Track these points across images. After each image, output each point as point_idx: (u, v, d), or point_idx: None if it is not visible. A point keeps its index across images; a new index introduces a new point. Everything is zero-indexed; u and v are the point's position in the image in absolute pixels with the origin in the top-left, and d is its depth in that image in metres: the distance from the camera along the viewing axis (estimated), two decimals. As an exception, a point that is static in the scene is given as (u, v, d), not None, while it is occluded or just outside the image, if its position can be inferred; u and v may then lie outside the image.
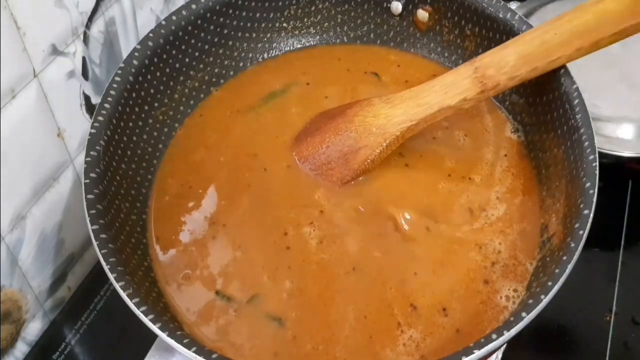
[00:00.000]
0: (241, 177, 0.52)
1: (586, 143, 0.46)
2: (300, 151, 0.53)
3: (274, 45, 0.60)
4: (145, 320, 0.39)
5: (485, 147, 0.54)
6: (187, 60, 0.55)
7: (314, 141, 0.52)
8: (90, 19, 0.52)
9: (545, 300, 0.38)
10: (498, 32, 0.54)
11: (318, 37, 0.61)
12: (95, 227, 0.42)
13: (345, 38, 0.61)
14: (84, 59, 0.53)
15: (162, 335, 0.38)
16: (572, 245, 0.41)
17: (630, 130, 0.61)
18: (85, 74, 0.53)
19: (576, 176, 0.45)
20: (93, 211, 0.43)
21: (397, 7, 0.59)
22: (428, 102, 0.49)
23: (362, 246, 0.48)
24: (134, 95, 0.51)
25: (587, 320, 0.55)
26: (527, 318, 0.38)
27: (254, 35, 0.59)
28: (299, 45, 0.61)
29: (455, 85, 0.49)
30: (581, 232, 0.41)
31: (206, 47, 0.56)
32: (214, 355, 0.37)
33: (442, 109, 0.49)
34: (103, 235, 0.42)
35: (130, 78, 0.50)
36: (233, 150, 0.54)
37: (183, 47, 0.54)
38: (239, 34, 0.58)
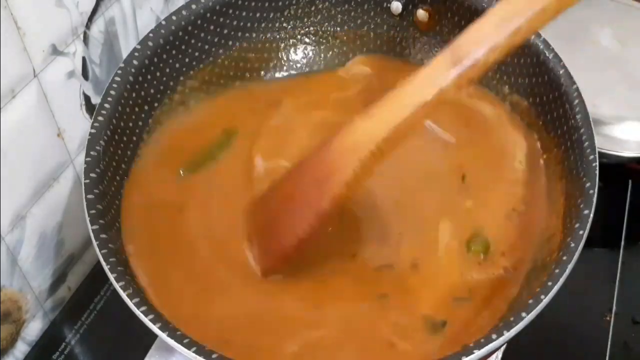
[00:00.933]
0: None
1: (586, 143, 0.46)
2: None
3: (274, 45, 0.60)
4: (145, 320, 0.39)
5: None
6: (187, 60, 0.55)
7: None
8: (90, 19, 0.52)
9: (545, 300, 0.38)
10: (498, 32, 0.54)
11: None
12: (95, 227, 0.42)
13: (345, 38, 0.61)
14: (84, 59, 0.53)
15: (162, 335, 0.38)
16: (572, 245, 0.41)
17: (630, 130, 0.61)
18: (85, 74, 0.53)
19: (576, 176, 0.45)
20: (93, 211, 0.43)
21: (397, 7, 0.59)
22: (403, 104, 0.42)
23: None
24: (134, 95, 0.51)
25: (587, 320, 0.55)
26: (527, 318, 0.38)
27: (254, 35, 0.59)
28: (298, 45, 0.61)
29: (431, 78, 0.42)
30: (581, 232, 0.41)
31: (206, 47, 0.56)
32: (214, 355, 0.37)
33: (417, 109, 0.41)
34: (103, 236, 0.42)
35: (130, 78, 0.50)
36: None
37: (183, 47, 0.54)
38: (239, 34, 0.58)
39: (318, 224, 0.44)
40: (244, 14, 0.57)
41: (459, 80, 0.41)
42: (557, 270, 0.40)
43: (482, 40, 0.40)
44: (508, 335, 0.37)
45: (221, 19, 0.56)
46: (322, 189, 0.43)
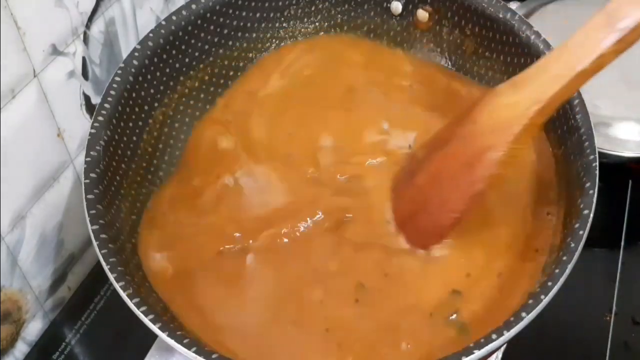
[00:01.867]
0: None
1: (586, 143, 0.46)
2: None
3: (274, 45, 0.60)
4: (145, 320, 0.39)
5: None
6: (187, 60, 0.55)
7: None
8: (90, 19, 0.52)
9: (545, 300, 0.38)
10: (498, 32, 0.54)
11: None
12: (95, 227, 0.42)
13: (345, 38, 0.61)
14: (84, 59, 0.53)
15: (162, 335, 0.38)
16: (572, 245, 0.41)
17: (630, 130, 0.61)
18: (85, 74, 0.53)
19: (576, 176, 0.45)
20: (93, 211, 0.43)
21: (397, 7, 0.59)
22: (557, 73, 0.40)
23: None
24: (134, 95, 0.51)
25: (587, 320, 0.55)
26: (527, 318, 0.38)
27: (254, 35, 0.59)
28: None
29: (587, 43, 0.39)
30: (581, 232, 0.41)
31: (206, 47, 0.56)
32: (214, 355, 0.37)
33: (573, 78, 0.39)
34: (103, 235, 0.42)
35: (130, 78, 0.50)
36: None
37: (183, 47, 0.54)
38: (239, 34, 0.58)
39: (474, 204, 0.44)
40: (244, 14, 0.57)
41: (618, 46, 0.38)
42: (557, 270, 0.40)
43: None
44: (508, 335, 0.37)
45: (221, 19, 0.56)
46: (475, 170, 0.42)
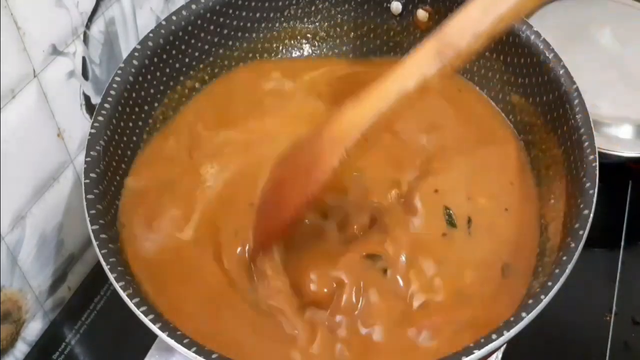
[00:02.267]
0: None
1: (586, 143, 0.46)
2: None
3: (274, 45, 0.60)
4: (145, 320, 0.39)
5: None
6: (187, 60, 0.55)
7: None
8: (90, 19, 0.52)
9: (545, 300, 0.39)
10: (498, 32, 0.54)
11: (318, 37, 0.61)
12: (95, 227, 0.42)
13: (345, 38, 0.61)
14: (84, 59, 0.53)
15: (162, 335, 0.38)
16: (572, 245, 0.41)
17: (630, 130, 0.61)
18: (85, 74, 0.53)
19: (576, 176, 0.45)
20: (93, 211, 0.43)
21: (397, 7, 0.59)
22: (386, 92, 0.43)
23: None
24: (134, 95, 0.51)
25: (587, 320, 0.55)
26: (527, 318, 0.38)
27: (254, 35, 0.59)
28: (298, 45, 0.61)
29: (415, 66, 0.42)
30: (581, 232, 0.41)
31: (206, 47, 0.56)
32: (214, 355, 0.37)
33: (400, 97, 0.42)
34: (103, 236, 0.42)
35: (130, 78, 0.50)
36: None
37: (183, 47, 0.54)
38: (239, 34, 0.58)
39: (304, 207, 0.46)
40: (244, 14, 0.57)
41: (442, 70, 0.41)
42: (557, 270, 0.40)
43: (466, 29, 0.41)
44: (508, 335, 0.37)
45: (221, 19, 0.56)
46: (311, 175, 0.44)
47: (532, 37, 0.52)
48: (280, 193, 0.47)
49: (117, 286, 0.40)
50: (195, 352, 0.37)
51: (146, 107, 0.52)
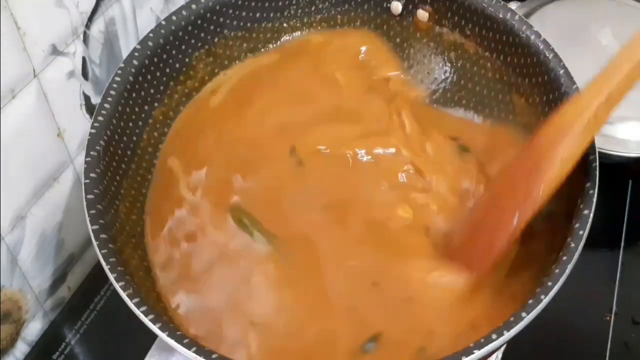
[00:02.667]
0: None
1: (586, 143, 0.46)
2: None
3: (274, 45, 0.60)
4: (145, 320, 0.39)
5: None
6: (187, 60, 0.55)
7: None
8: (90, 19, 0.52)
9: (545, 300, 0.39)
10: (498, 32, 0.54)
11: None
12: (95, 227, 0.42)
13: (345, 38, 0.61)
14: (84, 59, 0.53)
15: (162, 335, 0.38)
16: (572, 245, 0.41)
17: (630, 130, 0.61)
18: (85, 74, 0.53)
19: (576, 176, 0.45)
20: (93, 211, 0.43)
21: (397, 7, 0.59)
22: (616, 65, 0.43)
23: None
24: (134, 95, 0.51)
25: (587, 320, 0.55)
26: (527, 318, 0.38)
27: (253, 35, 0.59)
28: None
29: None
30: (581, 232, 0.41)
31: (206, 47, 0.56)
32: (214, 355, 0.37)
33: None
34: (103, 235, 0.42)
35: (130, 78, 0.50)
36: None
37: (183, 47, 0.54)
38: (239, 34, 0.58)
39: (532, 214, 0.43)
40: (244, 14, 0.57)
41: None
42: (557, 270, 0.40)
43: None
44: (508, 335, 0.37)
45: (221, 19, 0.56)
46: (531, 177, 0.42)
47: (532, 37, 0.52)
48: (496, 210, 0.45)
49: (117, 286, 0.40)
50: (195, 352, 0.37)
51: (146, 107, 0.52)
